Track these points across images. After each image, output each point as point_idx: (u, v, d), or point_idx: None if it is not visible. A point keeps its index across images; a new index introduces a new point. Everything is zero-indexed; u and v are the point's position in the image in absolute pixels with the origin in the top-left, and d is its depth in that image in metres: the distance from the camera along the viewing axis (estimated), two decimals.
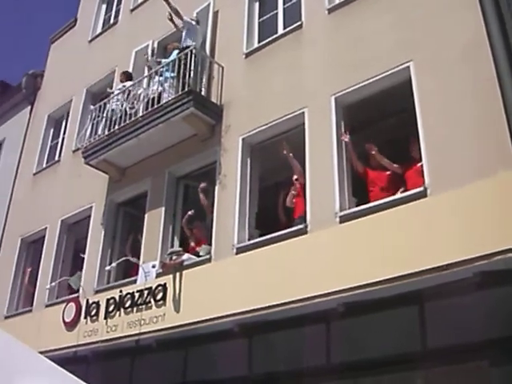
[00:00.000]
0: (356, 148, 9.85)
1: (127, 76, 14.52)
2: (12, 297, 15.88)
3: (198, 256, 11.25)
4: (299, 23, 11.54)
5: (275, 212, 11.22)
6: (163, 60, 13.68)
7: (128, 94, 13.54)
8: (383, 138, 9.66)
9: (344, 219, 9.18)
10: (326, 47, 10.89)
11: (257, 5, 13.09)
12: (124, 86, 13.97)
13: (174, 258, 11.20)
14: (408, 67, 9.36)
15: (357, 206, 9.42)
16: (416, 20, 9.65)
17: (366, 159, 9.95)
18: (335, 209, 9.31)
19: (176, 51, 12.99)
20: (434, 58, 9.13)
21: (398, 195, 8.89)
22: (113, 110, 13.77)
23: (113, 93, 14.24)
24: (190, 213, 11.89)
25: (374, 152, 9.63)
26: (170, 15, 13.47)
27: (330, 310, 8.66)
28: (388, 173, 9.64)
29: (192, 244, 11.85)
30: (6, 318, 15.42)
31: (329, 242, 9.13)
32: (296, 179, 10.36)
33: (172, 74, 12.67)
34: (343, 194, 9.50)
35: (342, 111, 10.20)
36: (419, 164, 8.87)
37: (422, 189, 8.46)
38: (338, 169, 9.63)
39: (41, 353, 6.31)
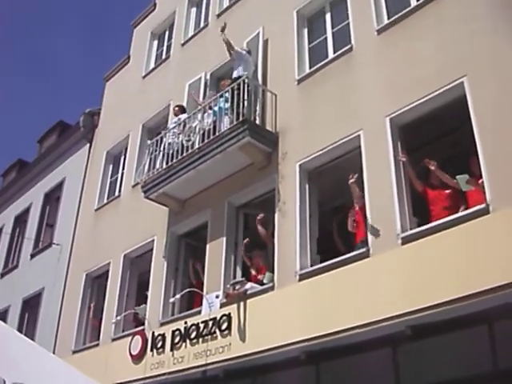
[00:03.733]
0: (414, 168, 9.76)
1: (181, 109, 14.78)
2: (79, 332, 16.11)
3: (261, 284, 11.26)
4: (349, 46, 11.57)
5: (335, 237, 11.19)
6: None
7: (184, 127, 13.70)
8: (441, 155, 9.54)
9: (406, 240, 9.07)
10: (378, 68, 10.87)
11: (305, 31, 13.19)
12: (179, 119, 14.17)
13: (237, 287, 11.23)
14: (462, 83, 9.26)
15: (418, 226, 9.30)
16: (466, 35, 9.57)
17: (426, 178, 9.83)
18: (397, 230, 9.22)
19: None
20: (487, 73, 9.03)
21: (460, 213, 8.75)
22: (169, 143, 13.95)
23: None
24: (245, 241, 11.96)
25: (433, 167, 9.46)
26: (229, 43, 13.36)
27: (396, 334, 8.58)
28: (448, 191, 9.49)
29: (253, 272, 11.87)
30: (74, 352, 15.63)
31: (392, 264, 9.02)
32: (356, 203, 10.31)
33: (226, 105, 12.78)
34: (404, 215, 9.40)
35: (397, 131, 10.14)
36: (480, 180, 8.73)
37: (484, 206, 8.32)
38: (398, 189, 9.56)
39: None
